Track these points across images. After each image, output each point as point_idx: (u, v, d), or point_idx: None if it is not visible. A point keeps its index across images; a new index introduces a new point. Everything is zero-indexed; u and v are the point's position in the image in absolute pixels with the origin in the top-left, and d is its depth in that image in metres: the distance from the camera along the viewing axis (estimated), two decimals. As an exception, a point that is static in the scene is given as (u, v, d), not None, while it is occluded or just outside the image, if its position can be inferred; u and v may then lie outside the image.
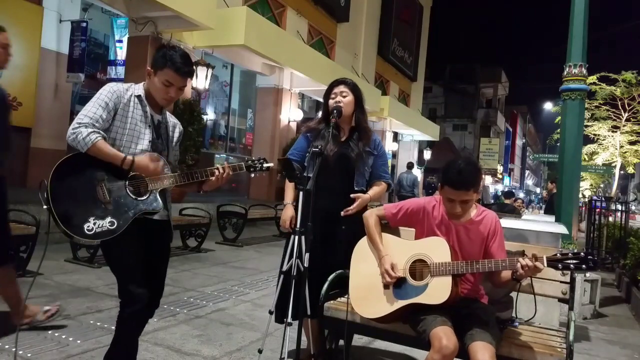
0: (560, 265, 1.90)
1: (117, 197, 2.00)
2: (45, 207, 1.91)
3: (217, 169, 2.16)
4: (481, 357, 1.85)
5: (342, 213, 2.52)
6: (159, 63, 2.08)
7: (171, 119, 2.31)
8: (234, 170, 2.22)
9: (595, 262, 1.88)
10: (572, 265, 1.88)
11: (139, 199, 2.03)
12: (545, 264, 1.91)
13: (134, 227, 2.01)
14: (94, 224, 1.95)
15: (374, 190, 2.66)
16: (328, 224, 2.52)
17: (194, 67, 2.36)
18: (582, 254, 1.88)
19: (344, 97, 2.62)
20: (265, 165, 2.27)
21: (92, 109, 1.97)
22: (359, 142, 2.64)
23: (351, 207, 2.53)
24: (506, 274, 2.05)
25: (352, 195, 2.54)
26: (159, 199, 2.09)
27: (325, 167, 2.48)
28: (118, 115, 2.04)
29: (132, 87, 2.13)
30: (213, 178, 2.16)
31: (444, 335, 1.88)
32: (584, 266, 1.86)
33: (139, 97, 2.11)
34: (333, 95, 2.65)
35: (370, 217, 2.38)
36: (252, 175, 2.30)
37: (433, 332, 1.92)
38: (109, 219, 1.97)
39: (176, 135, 2.32)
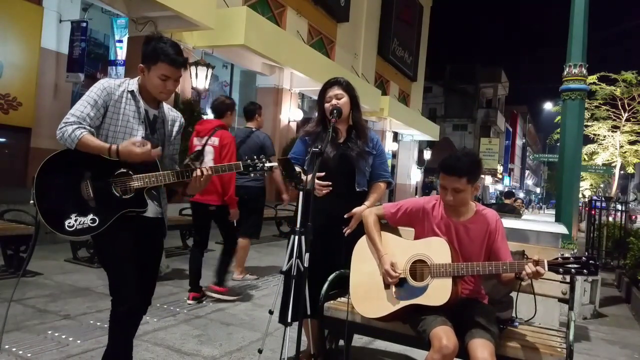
0: (561, 269, 1.89)
1: (102, 194, 1.98)
2: (31, 202, 1.92)
3: (200, 169, 2.08)
4: (480, 355, 1.85)
5: (345, 232, 2.52)
6: (150, 58, 2.03)
7: (171, 113, 2.28)
8: (230, 169, 2.16)
9: (597, 267, 1.86)
10: (573, 270, 1.87)
11: (124, 197, 2.01)
12: (547, 268, 1.89)
13: (125, 225, 2.00)
14: (75, 220, 1.94)
15: (371, 200, 2.63)
16: (329, 225, 2.52)
17: (188, 59, 2.29)
18: (583, 258, 1.86)
19: (339, 99, 2.60)
20: (267, 165, 2.17)
21: (80, 108, 1.97)
22: (357, 142, 2.63)
23: (350, 225, 2.53)
24: (509, 273, 2.05)
25: (346, 216, 2.54)
26: (146, 198, 2.06)
27: (325, 169, 2.47)
28: (109, 112, 2.03)
29: (126, 83, 2.10)
30: (190, 179, 2.08)
31: (444, 335, 1.88)
32: (585, 271, 1.85)
33: (132, 92, 2.08)
34: (328, 99, 2.62)
35: (370, 216, 2.38)
36: (252, 175, 2.23)
37: (433, 332, 1.92)
38: (90, 216, 1.96)
39: (175, 129, 2.29)
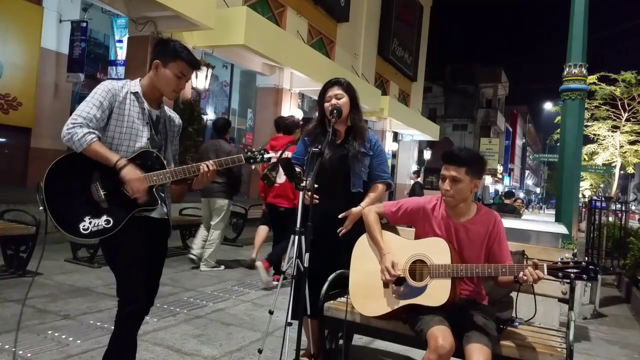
0: (560, 274, 1.88)
1: (112, 195, 1.98)
2: (40, 208, 1.91)
3: (206, 163, 2.11)
4: None
5: (340, 232, 2.51)
6: (171, 55, 2.06)
7: (169, 113, 2.29)
8: (233, 162, 2.17)
9: (597, 273, 1.85)
10: (572, 275, 1.86)
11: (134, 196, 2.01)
12: (546, 272, 1.89)
13: (134, 225, 2.00)
14: (90, 223, 1.94)
15: (367, 200, 2.59)
16: (327, 225, 2.52)
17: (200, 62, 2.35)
18: (583, 263, 1.85)
19: (339, 99, 2.59)
20: (266, 155, 2.22)
21: (86, 109, 1.96)
22: (354, 143, 2.62)
23: (344, 226, 2.51)
24: (508, 276, 2.04)
25: (340, 215, 2.52)
26: (155, 195, 2.07)
27: (322, 170, 2.47)
28: (114, 114, 2.03)
29: (128, 84, 2.10)
30: (199, 174, 2.10)
31: (440, 334, 1.88)
32: (584, 276, 1.84)
33: (135, 93, 2.09)
34: (328, 98, 2.62)
35: (370, 214, 2.37)
36: (253, 167, 2.27)
37: (430, 331, 1.91)
38: (104, 217, 1.96)
39: (175, 128, 2.30)
